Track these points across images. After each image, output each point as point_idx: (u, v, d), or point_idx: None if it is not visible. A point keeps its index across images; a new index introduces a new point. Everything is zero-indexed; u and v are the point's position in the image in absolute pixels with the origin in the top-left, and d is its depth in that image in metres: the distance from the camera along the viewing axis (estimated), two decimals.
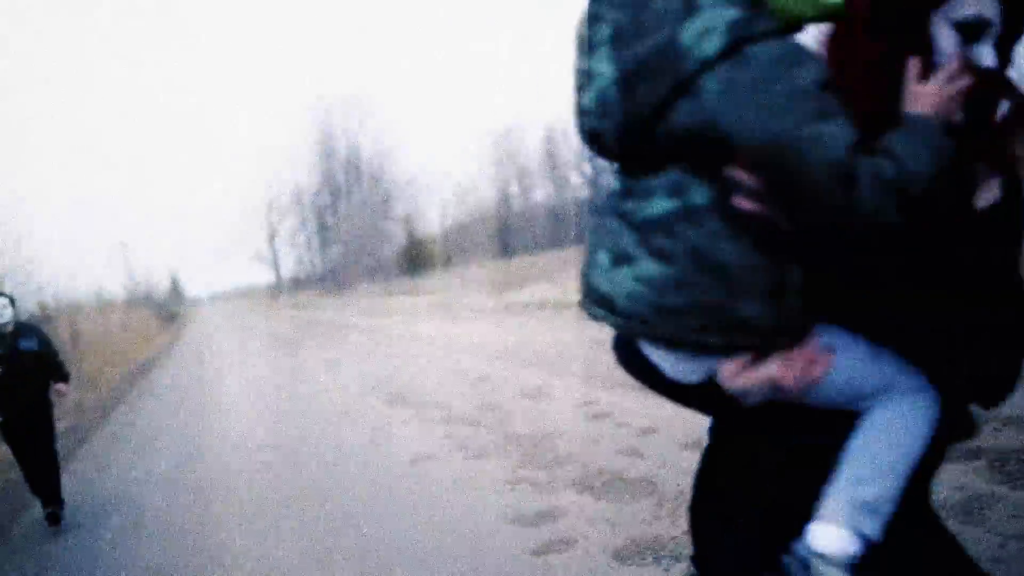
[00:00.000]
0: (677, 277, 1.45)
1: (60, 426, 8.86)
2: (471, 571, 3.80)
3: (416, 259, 38.26)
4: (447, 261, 35.53)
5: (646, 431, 5.49)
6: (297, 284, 47.98)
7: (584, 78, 1.56)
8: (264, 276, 53.90)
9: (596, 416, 6.20)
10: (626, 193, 1.56)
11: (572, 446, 5.49)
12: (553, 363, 8.85)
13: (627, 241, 1.53)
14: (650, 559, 3.52)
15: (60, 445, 6.79)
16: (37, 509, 6.41)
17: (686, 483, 4.20)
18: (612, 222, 1.58)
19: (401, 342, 14.82)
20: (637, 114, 1.46)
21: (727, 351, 1.49)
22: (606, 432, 5.71)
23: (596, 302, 1.65)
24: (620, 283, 1.54)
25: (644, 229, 1.49)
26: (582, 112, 1.59)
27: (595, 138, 1.59)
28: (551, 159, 36.70)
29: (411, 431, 7.01)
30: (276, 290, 50.26)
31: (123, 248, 43.61)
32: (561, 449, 5.47)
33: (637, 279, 1.50)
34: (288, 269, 50.68)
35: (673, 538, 3.67)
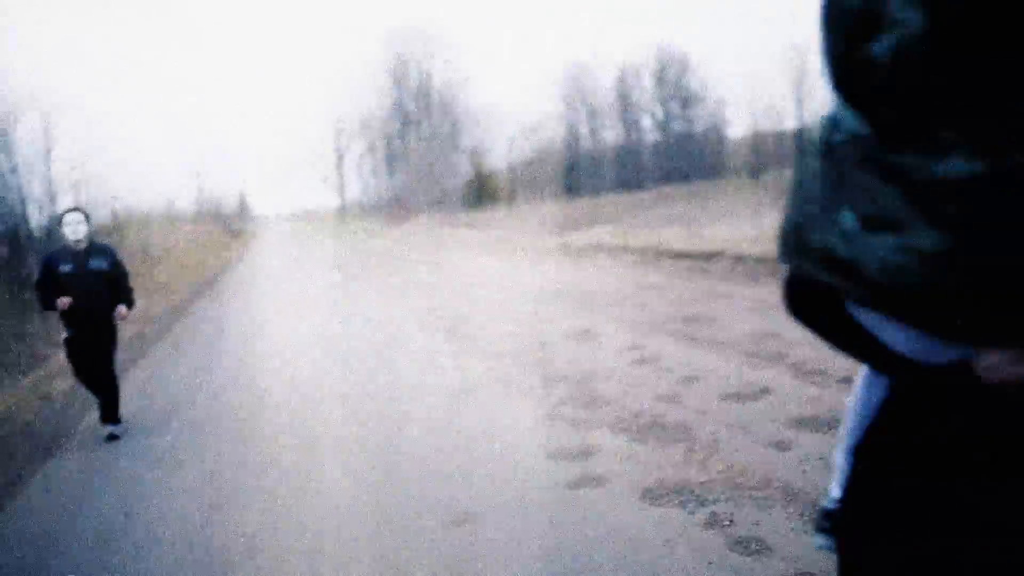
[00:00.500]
0: (968, 255, 1.16)
1: (126, 334, 9.21)
2: (509, 498, 3.93)
3: (480, 193, 38.26)
4: (511, 197, 35.49)
5: (688, 379, 5.53)
6: (361, 210, 48.40)
7: (868, 22, 1.21)
8: (329, 200, 54.47)
9: (640, 361, 6.25)
10: (897, 142, 1.23)
11: (613, 388, 5.57)
12: (604, 306, 8.88)
13: (893, 202, 1.22)
14: (676, 502, 3.60)
15: (125, 353, 6.98)
16: (93, 416, 6.64)
17: (720, 432, 4.31)
18: (865, 176, 1.26)
19: (457, 275, 14.95)
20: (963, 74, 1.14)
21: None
22: (648, 377, 5.77)
23: (824, 264, 1.34)
24: (873, 250, 1.24)
25: (927, 191, 1.18)
26: (864, 62, 1.23)
27: (880, 94, 1.24)
28: (622, 100, 36.15)
29: (458, 363, 7.15)
30: (341, 214, 50.81)
31: (197, 169, 44.22)
32: (601, 390, 5.55)
33: (904, 250, 1.20)
34: (353, 194, 51.22)
35: (701, 483, 3.75)
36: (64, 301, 6.09)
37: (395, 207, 42.62)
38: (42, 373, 9.17)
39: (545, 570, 3.17)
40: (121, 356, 6.97)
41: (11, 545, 4.34)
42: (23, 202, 15.53)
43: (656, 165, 34.45)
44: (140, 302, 7.27)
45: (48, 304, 6.28)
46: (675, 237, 13.50)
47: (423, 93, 44.97)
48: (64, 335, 6.32)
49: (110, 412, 6.43)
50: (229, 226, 43.30)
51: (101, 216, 22.13)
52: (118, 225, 24.05)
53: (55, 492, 5.20)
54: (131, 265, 7.49)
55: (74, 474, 5.56)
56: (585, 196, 30.92)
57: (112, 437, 6.28)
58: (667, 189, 29.07)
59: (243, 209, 54.04)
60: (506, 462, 4.46)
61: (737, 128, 34.28)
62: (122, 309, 6.41)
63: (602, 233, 17.71)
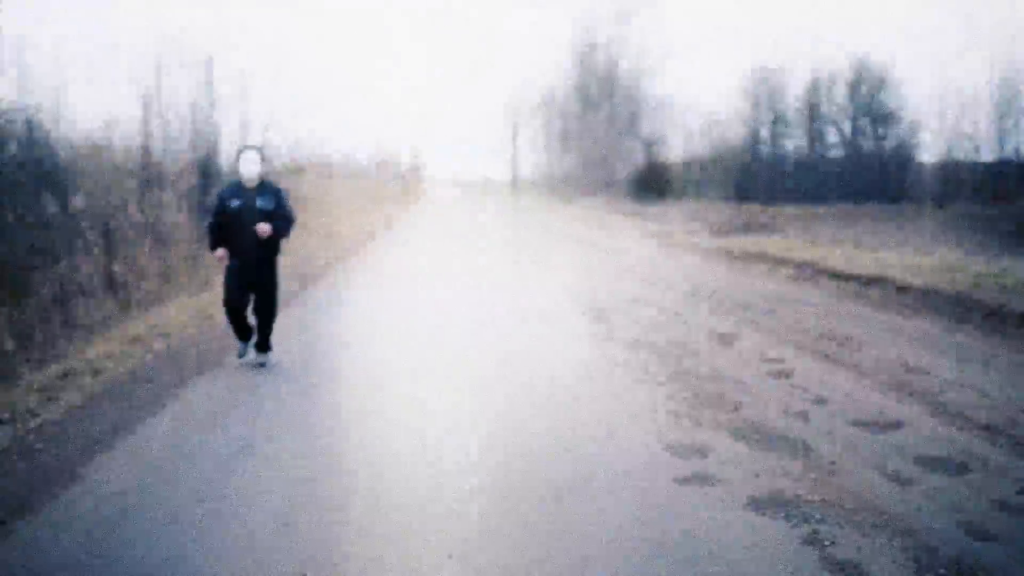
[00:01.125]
0: None
1: (288, 273, 9.85)
2: (616, 482, 4.07)
3: (649, 184, 37.87)
4: (680, 192, 35.01)
5: (820, 399, 5.47)
6: (530, 185, 49.04)
7: None
8: (499, 171, 55.49)
9: (776, 373, 6.21)
10: None
11: (742, 395, 5.58)
12: (752, 314, 8.79)
13: None
14: (780, 514, 3.64)
15: (281, 293, 7.18)
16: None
17: (842, 456, 4.30)
18: None
19: (616, 261, 15.04)
20: None
21: None
22: (780, 390, 5.74)
23: None
24: None
25: None
26: None
27: None
28: (810, 110, 34.80)
29: (598, 347, 7.29)
30: (510, 187, 51.62)
31: (374, 124, 46.12)
32: (730, 395, 5.57)
33: None
34: (524, 169, 52.00)
35: (810, 501, 3.77)
36: (220, 254, 6.58)
37: (563, 187, 42.90)
38: (207, 297, 9.93)
39: (633, 554, 3.30)
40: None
41: (148, 455, 4.82)
42: (217, 137, 16.70)
43: (836, 181, 33.02)
44: (306, 245, 7.73)
45: (213, 244, 6.66)
46: (839, 257, 13.06)
47: (608, 77, 44.88)
48: (227, 263, 6.65)
49: (263, 341, 6.82)
50: (402, 185, 44.82)
51: (283, 160, 23.38)
52: (298, 169, 25.35)
53: (196, 407, 5.71)
54: (303, 211, 7.98)
55: (217, 393, 6.08)
56: (755, 202, 30.09)
57: (260, 365, 6.72)
58: (843, 207, 27.89)
59: (417, 169, 55.80)
60: (621, 446, 4.60)
61: (927, 153, 32.19)
62: (265, 226, 6.45)
63: (766, 242, 17.32)
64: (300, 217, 7.89)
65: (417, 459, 4.47)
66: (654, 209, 29.77)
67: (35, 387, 6.20)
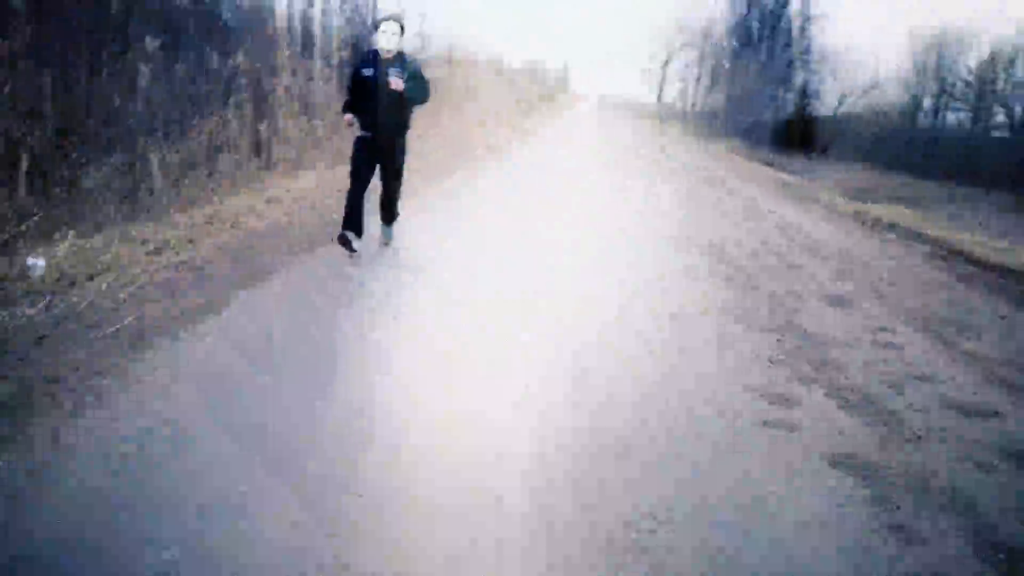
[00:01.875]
0: None
1: (420, 153, 10.10)
2: (693, 415, 4.22)
3: (795, 136, 36.56)
4: (823, 150, 33.71)
5: (921, 377, 5.42)
6: (674, 114, 48.02)
7: None
8: (643, 95, 54.42)
9: (883, 344, 6.15)
10: None
11: (845, 358, 5.58)
12: (872, 282, 8.60)
13: None
14: (853, 477, 3.71)
15: (415, 174, 7.47)
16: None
17: (928, 433, 4.30)
18: None
19: (735, 205, 14.80)
20: None
21: None
22: (884, 360, 5.70)
23: None
24: None
25: None
26: None
27: None
28: (981, 84, 32.63)
29: (709, 288, 7.34)
30: (654, 114, 50.63)
31: (525, 29, 45.68)
32: (832, 356, 5.58)
33: None
34: (669, 97, 50.86)
35: (887, 467, 3.83)
36: (349, 118, 6.55)
37: (706, 123, 41.86)
38: (343, 170, 10.33)
39: (695, 491, 3.46)
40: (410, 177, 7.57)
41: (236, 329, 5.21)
42: (375, 17, 17.10)
43: (999, 165, 31.12)
44: (446, 135, 7.94)
45: (344, 108, 6.65)
46: (985, 245, 12.49)
47: (774, 17, 43.08)
48: (357, 134, 6.63)
49: (388, 210, 6.97)
50: (547, 94, 44.56)
51: (434, 49, 23.58)
52: (449, 61, 25.54)
53: (330, 263, 6.09)
54: (451, 100, 8.17)
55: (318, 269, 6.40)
56: (905, 173, 28.70)
57: (385, 244, 7.02)
58: (1001, 194, 26.38)
59: (564, 79, 55.26)
60: (706, 383, 4.73)
61: None
62: (398, 81, 6.30)
63: (905, 214, 16.67)
64: (444, 110, 8.07)
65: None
66: (795, 162, 28.82)
67: (182, 227, 6.71)
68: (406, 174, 7.09)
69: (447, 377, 4.31)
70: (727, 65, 44.10)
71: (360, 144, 6.63)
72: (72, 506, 2.70)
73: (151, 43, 9.83)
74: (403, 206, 7.25)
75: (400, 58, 6.44)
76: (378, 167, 6.77)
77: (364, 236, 6.75)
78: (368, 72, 6.40)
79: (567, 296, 6.36)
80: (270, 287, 5.43)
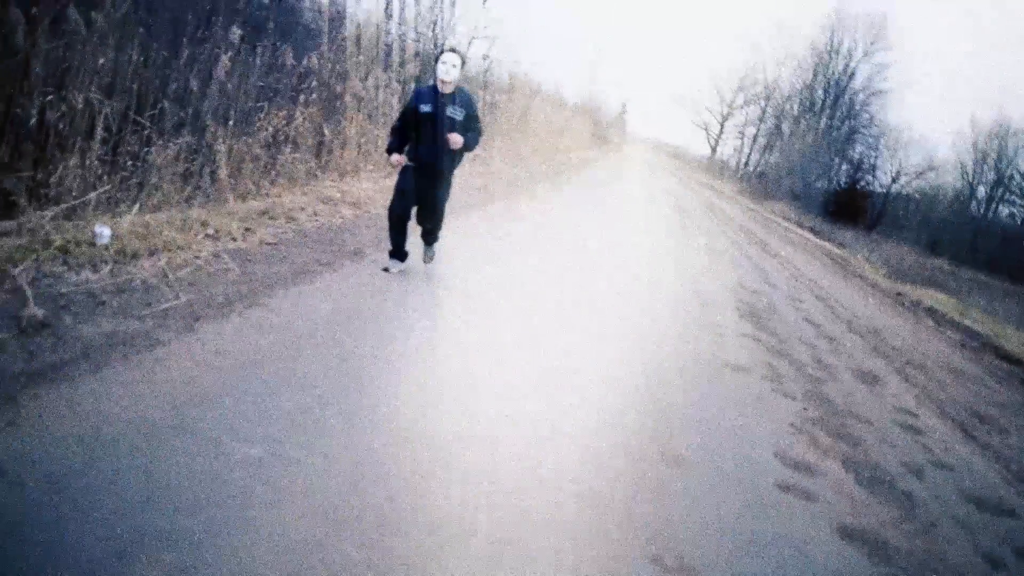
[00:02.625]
0: None
1: (468, 185, 10.26)
2: (716, 467, 4.30)
3: (844, 206, 36.42)
4: (872, 225, 33.57)
5: (942, 465, 5.46)
6: (724, 170, 48.07)
7: None
8: (697, 146, 54.63)
9: (907, 427, 6.18)
10: None
11: (867, 434, 5.63)
12: (903, 364, 8.62)
13: None
14: (865, 551, 3.78)
15: (459, 201, 7.45)
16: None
17: (942, 520, 4.34)
18: None
19: (779, 271, 14.83)
20: None
21: None
22: (905, 442, 5.74)
23: None
24: None
25: None
26: None
27: None
28: None
29: (743, 346, 7.40)
30: (705, 166, 50.68)
31: (592, 63, 45.92)
32: (854, 430, 5.63)
33: None
34: (723, 152, 51.01)
35: (897, 547, 3.88)
36: (397, 160, 6.31)
37: (757, 182, 41.86)
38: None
39: (706, 541, 3.54)
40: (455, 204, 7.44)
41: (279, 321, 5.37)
42: (447, 36, 17.46)
43: None
44: (503, 161, 8.08)
45: (390, 148, 6.42)
46: (1016, 339, 12.44)
47: (838, 87, 43.12)
48: (406, 162, 6.37)
49: (429, 237, 6.80)
50: (601, 132, 44.82)
51: (498, 76, 23.94)
52: (511, 87, 25.86)
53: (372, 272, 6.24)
54: (505, 131, 8.32)
55: (360, 277, 6.56)
56: (945, 257, 28.57)
57: (426, 261, 6.88)
58: None
59: (620, 119, 55.57)
60: (730, 439, 4.80)
61: None
62: (457, 138, 6.21)
63: (945, 301, 16.62)
64: (496, 140, 8.23)
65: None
66: (842, 234, 28.74)
67: (238, 216, 6.92)
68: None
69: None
70: (786, 128, 44.15)
71: (404, 176, 6.48)
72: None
73: (233, 33, 10.14)
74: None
75: (458, 94, 6.34)
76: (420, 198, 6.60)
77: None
78: (427, 108, 6.23)
79: (602, 349, 6.46)
80: (314, 286, 5.59)
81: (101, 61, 7.01)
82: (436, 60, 6.28)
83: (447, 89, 6.24)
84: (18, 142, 6.47)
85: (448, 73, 6.15)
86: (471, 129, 6.36)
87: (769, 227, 25.37)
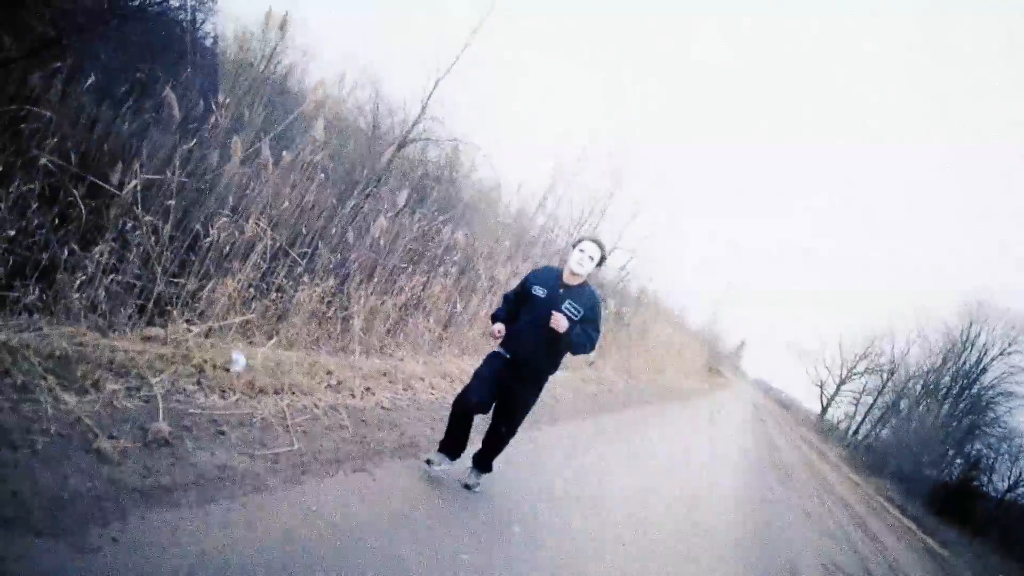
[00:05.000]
0: None
1: (559, 392, 10.15)
2: None
3: (949, 502, 34.38)
4: (978, 531, 31.46)
5: None
6: (831, 432, 46.56)
7: None
8: (809, 400, 53.47)
9: None
10: None
11: None
12: None
13: None
14: None
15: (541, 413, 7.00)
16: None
17: None
18: None
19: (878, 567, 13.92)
20: None
21: None
22: None
23: None
24: None
25: None
26: None
27: None
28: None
29: None
30: (816, 424, 49.30)
31: (720, 294, 46.20)
32: None
33: None
34: (834, 414, 49.60)
35: None
36: (496, 329, 5.37)
37: (864, 454, 40.24)
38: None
39: None
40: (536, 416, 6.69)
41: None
42: (598, 222, 18.26)
43: None
44: (615, 373, 7.99)
45: (495, 316, 5.50)
46: None
47: (967, 378, 41.81)
48: (495, 349, 5.48)
49: (485, 458, 5.73)
50: (715, 363, 44.51)
51: (633, 290, 24.36)
52: (638, 301, 26.12)
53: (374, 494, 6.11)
54: (624, 343, 8.24)
55: (465, 461, 5.86)
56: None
57: (467, 487, 5.60)
58: None
59: (737, 353, 55.25)
60: None
61: None
62: (563, 320, 5.11)
63: None
64: (612, 349, 8.17)
65: None
66: (945, 532, 27.03)
67: (361, 372, 7.04)
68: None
69: None
70: (904, 407, 42.77)
71: (492, 361, 5.45)
72: None
73: (400, 196, 10.75)
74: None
75: (583, 290, 5.31)
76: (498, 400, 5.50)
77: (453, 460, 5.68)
78: (541, 292, 5.28)
79: None
80: (419, 461, 5.53)
81: (279, 197, 7.51)
82: (573, 246, 5.35)
83: (573, 281, 5.29)
84: (187, 254, 6.89)
85: (581, 264, 5.22)
86: (586, 330, 5.24)
87: (871, 506, 24.11)
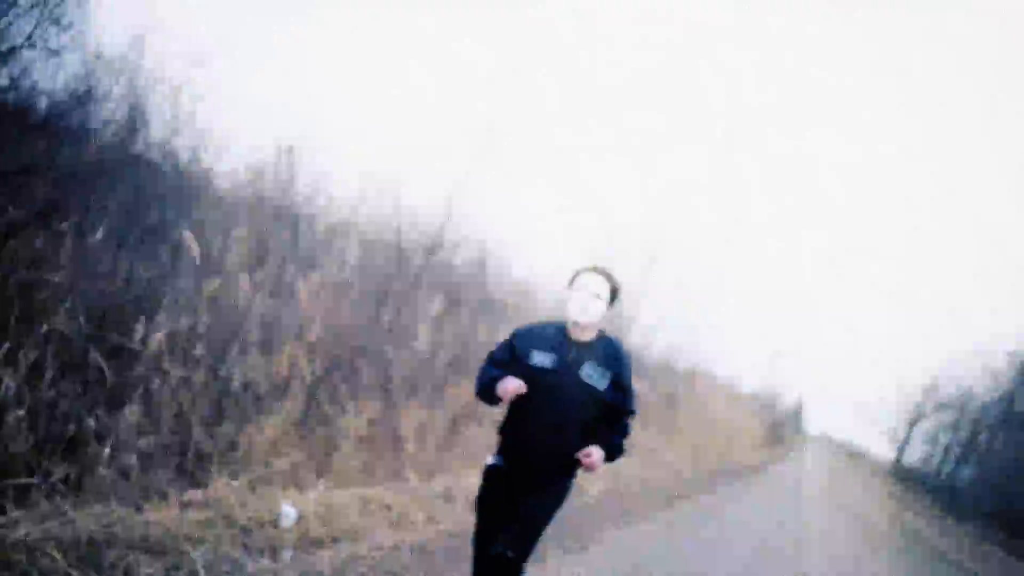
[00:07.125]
0: None
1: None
2: None
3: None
4: None
5: None
6: (910, 480, 44.58)
7: None
8: (881, 448, 51.40)
9: None
10: None
11: None
12: None
13: None
14: None
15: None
16: None
17: None
18: None
19: None
20: None
21: None
22: None
23: None
24: None
25: None
26: None
27: None
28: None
29: None
30: (892, 475, 47.34)
31: (775, 355, 44.95)
32: None
33: None
34: (911, 457, 47.48)
35: None
36: (512, 388, 3.37)
37: (950, 499, 38.33)
38: None
39: None
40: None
41: None
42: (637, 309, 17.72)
43: None
44: (673, 454, 7.25)
45: (485, 392, 3.55)
46: None
47: None
48: (489, 461, 3.67)
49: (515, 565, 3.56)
50: (774, 427, 43.04)
51: (679, 367, 23.22)
52: (687, 375, 24.94)
53: None
54: (682, 425, 7.47)
55: None
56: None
57: None
58: None
59: (797, 416, 53.60)
60: None
61: None
62: (595, 453, 3.40)
63: None
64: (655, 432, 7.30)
65: None
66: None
67: (420, 497, 6.56)
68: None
69: None
70: (983, 440, 40.96)
71: (491, 475, 3.67)
72: None
73: (434, 302, 10.43)
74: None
75: (601, 343, 3.59)
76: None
77: None
78: (542, 360, 3.49)
79: None
80: None
81: (311, 322, 7.22)
82: (569, 285, 3.57)
83: (583, 336, 3.54)
84: (220, 400, 6.54)
85: (586, 309, 3.46)
86: (621, 401, 3.56)
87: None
